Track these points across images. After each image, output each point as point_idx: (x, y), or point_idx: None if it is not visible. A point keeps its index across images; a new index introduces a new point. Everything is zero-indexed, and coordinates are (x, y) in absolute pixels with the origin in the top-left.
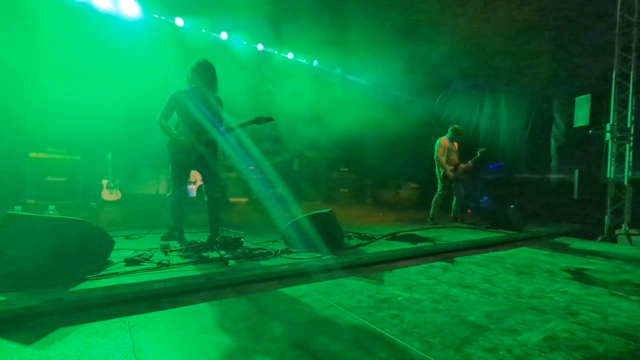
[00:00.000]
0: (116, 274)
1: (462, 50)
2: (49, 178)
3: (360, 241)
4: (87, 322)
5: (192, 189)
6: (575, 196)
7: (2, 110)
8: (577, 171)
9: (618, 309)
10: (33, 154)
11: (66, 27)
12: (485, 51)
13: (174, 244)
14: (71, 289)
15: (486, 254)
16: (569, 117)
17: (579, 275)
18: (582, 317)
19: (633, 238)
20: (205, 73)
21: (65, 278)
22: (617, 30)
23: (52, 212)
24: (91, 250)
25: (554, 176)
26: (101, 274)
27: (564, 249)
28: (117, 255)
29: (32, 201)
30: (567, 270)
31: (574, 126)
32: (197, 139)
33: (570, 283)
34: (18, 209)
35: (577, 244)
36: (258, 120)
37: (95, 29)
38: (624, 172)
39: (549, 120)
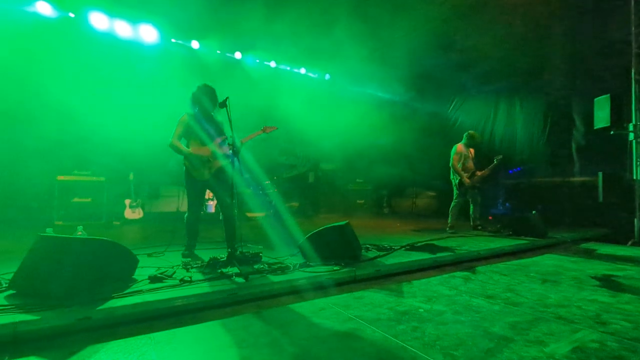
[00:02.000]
0: (141, 291)
1: (475, 55)
2: (75, 199)
3: (378, 253)
4: (114, 339)
5: (211, 205)
6: (601, 199)
7: (32, 136)
8: (600, 173)
9: None
10: (60, 177)
11: (91, 54)
12: (499, 53)
13: (195, 261)
14: (99, 308)
15: (509, 263)
16: (589, 117)
17: (608, 283)
18: (613, 327)
19: None
20: (205, 97)
21: (93, 296)
22: (633, 29)
23: (80, 233)
24: (117, 268)
25: (577, 179)
26: (126, 291)
27: (591, 255)
28: (141, 273)
29: (60, 222)
30: (595, 277)
31: (595, 127)
32: (206, 160)
33: (599, 291)
34: (49, 231)
35: (605, 249)
36: (265, 130)
37: (117, 55)
38: None
39: (568, 121)
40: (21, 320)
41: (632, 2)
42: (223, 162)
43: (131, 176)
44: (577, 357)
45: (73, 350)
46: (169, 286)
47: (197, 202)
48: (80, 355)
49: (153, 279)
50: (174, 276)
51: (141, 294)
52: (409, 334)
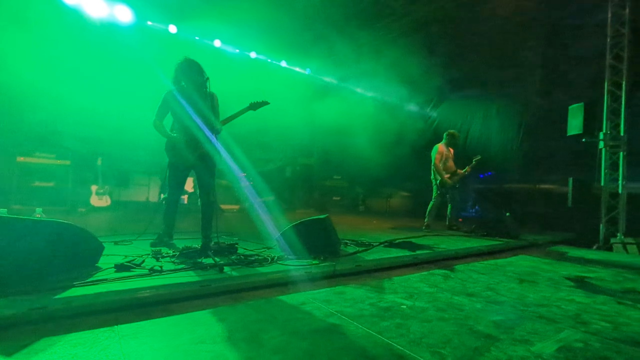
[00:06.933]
0: (105, 280)
1: (453, 59)
2: (36, 183)
3: (357, 248)
4: (74, 331)
5: (183, 198)
6: (570, 204)
7: None
8: (571, 179)
9: (628, 318)
10: (20, 158)
11: (57, 30)
12: (476, 59)
13: (166, 250)
14: (57, 296)
15: (485, 262)
16: (562, 125)
17: (582, 284)
18: (594, 327)
19: (629, 247)
20: (189, 71)
21: (50, 284)
22: (609, 40)
23: (39, 216)
24: (79, 255)
25: (547, 185)
26: (89, 280)
27: (562, 257)
28: (106, 261)
29: (19, 206)
30: (569, 279)
31: (568, 134)
32: (191, 143)
33: (575, 291)
34: (3, 212)
35: (574, 252)
36: (253, 106)
37: (88, 34)
38: (617, 180)
39: (542, 128)
40: None
41: (609, 14)
42: (207, 146)
43: (99, 161)
44: (564, 357)
45: (25, 342)
46: (137, 276)
47: (176, 185)
48: (33, 349)
49: (119, 268)
50: (142, 265)
51: (105, 283)
52: (393, 331)
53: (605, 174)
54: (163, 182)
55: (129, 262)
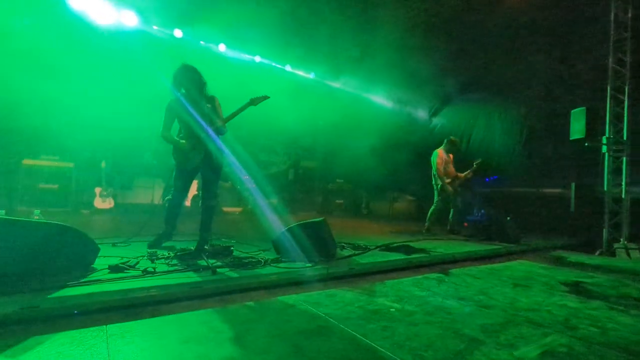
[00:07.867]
0: (98, 280)
1: (456, 63)
2: (41, 185)
3: (353, 251)
4: (63, 330)
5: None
6: (572, 209)
7: None
8: (573, 184)
9: (618, 324)
10: (27, 161)
11: (66, 36)
12: (480, 62)
13: (161, 252)
14: (49, 296)
15: (482, 267)
16: (565, 130)
17: (577, 289)
18: (582, 332)
19: (631, 252)
20: (188, 77)
21: (44, 284)
22: (611, 44)
23: (37, 217)
24: (74, 256)
25: (551, 190)
26: (82, 280)
27: (561, 262)
28: (102, 263)
29: (23, 208)
30: (565, 284)
31: (570, 139)
32: (197, 146)
33: (569, 296)
34: (1, 213)
35: (575, 257)
36: (253, 102)
37: (92, 37)
38: (621, 185)
39: (545, 133)
40: None
41: (612, 17)
42: (213, 149)
43: (103, 164)
44: None
45: (12, 342)
46: (130, 277)
47: (181, 187)
48: (20, 348)
49: (113, 269)
50: (137, 267)
51: (98, 284)
52: (378, 334)
53: (608, 179)
54: (167, 185)
55: (123, 263)
